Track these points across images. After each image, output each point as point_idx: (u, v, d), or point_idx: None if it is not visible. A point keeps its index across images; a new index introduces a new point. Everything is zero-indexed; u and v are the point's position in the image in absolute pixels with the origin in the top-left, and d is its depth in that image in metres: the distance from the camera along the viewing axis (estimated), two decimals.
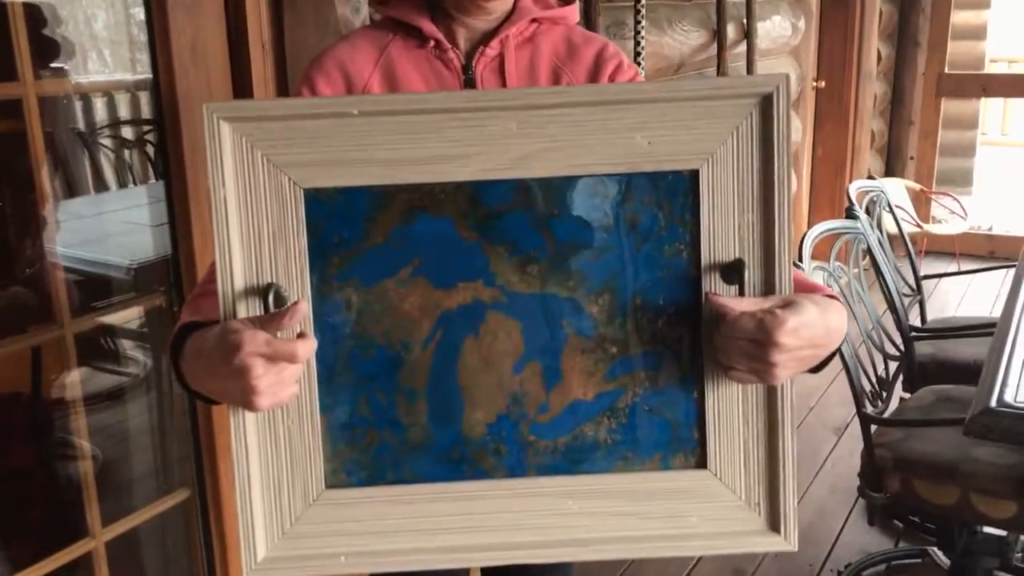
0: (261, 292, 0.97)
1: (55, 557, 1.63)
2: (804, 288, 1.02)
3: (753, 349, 0.93)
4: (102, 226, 2.12)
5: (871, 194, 3.32)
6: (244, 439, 0.99)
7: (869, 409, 2.32)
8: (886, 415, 2.49)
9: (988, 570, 2.42)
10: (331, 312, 0.99)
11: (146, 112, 2.05)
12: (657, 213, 0.99)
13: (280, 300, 0.98)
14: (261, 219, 0.98)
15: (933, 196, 5.49)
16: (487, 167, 0.97)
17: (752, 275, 0.98)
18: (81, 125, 2.09)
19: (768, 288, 0.98)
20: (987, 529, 2.30)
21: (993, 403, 1.77)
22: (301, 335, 0.94)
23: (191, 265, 1.72)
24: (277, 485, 1.00)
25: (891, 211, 3.35)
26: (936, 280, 4.43)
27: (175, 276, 1.76)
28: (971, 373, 2.73)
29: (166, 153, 1.68)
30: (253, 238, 0.98)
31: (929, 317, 3.19)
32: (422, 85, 1.20)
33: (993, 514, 2.06)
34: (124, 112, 2.34)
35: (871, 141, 5.30)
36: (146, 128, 2.13)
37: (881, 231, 3.06)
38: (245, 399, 0.92)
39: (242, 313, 0.98)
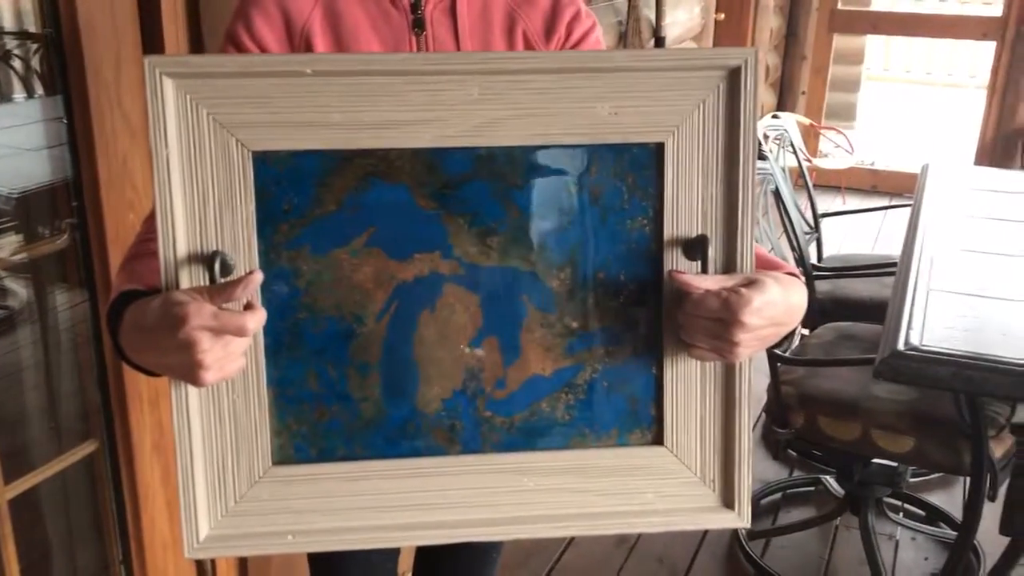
0: (206, 260, 0.92)
1: None
2: (765, 264, 1.01)
3: (716, 328, 0.92)
4: None
5: (776, 132, 3.37)
6: (186, 413, 0.94)
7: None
8: (788, 352, 2.56)
9: (879, 498, 2.55)
10: (280, 282, 0.94)
11: (27, 23, 1.91)
12: (621, 186, 0.96)
13: (226, 268, 0.93)
14: (206, 183, 0.92)
15: (822, 131, 5.61)
16: (447, 134, 0.93)
17: (715, 251, 0.96)
18: None
19: (730, 264, 0.97)
20: (878, 460, 2.41)
21: (901, 346, 1.83)
22: (249, 306, 0.89)
23: (95, 193, 1.61)
24: (221, 461, 0.96)
25: (794, 151, 3.40)
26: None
27: (79, 205, 1.64)
28: (867, 310, 2.83)
29: (64, 67, 1.55)
30: (198, 203, 0.92)
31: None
32: (367, 25, 1.13)
33: (892, 448, 2.16)
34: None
35: (765, 75, 5.36)
36: (22, 40, 1.97)
37: (784, 170, 3.11)
38: (190, 374, 0.87)
39: (185, 282, 0.92)
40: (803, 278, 1.02)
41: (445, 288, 0.96)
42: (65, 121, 1.61)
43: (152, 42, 1.64)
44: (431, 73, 0.92)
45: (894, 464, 2.36)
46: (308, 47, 1.12)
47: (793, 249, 2.84)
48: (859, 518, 2.46)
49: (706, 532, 2.59)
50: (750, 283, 0.93)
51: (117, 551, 1.87)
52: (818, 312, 2.86)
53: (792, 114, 5.48)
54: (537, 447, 0.99)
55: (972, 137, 5.20)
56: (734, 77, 0.94)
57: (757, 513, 2.74)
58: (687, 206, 0.96)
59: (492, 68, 0.92)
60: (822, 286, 2.95)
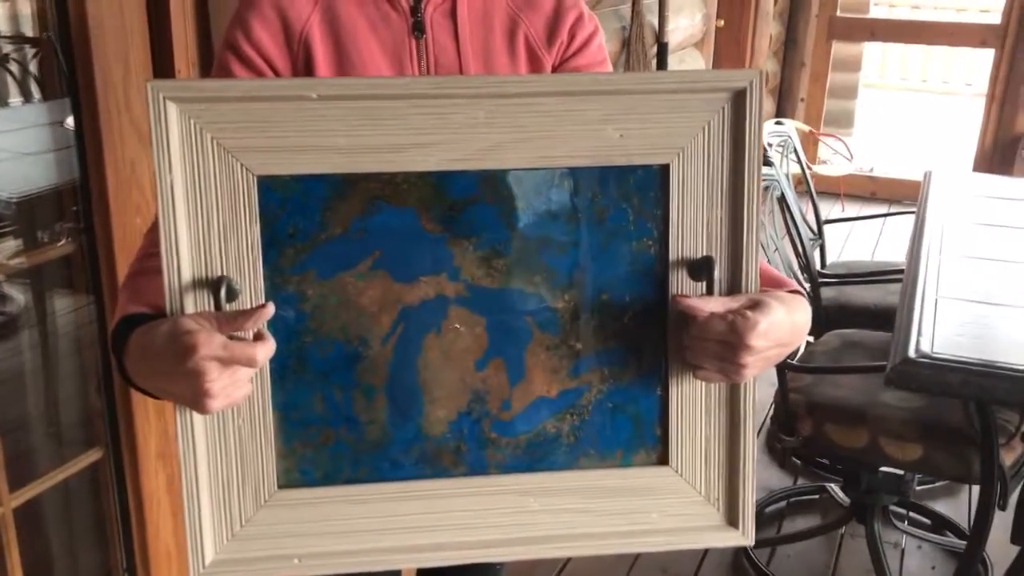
0: (212, 286, 0.92)
1: None
2: (768, 281, 1.01)
3: (723, 351, 0.92)
4: None
5: (780, 138, 3.36)
6: (191, 438, 0.94)
7: None
8: (794, 360, 2.56)
9: (886, 506, 2.54)
10: (285, 306, 0.94)
11: (25, 27, 1.90)
12: (626, 208, 0.96)
13: (232, 293, 0.93)
14: (211, 208, 0.92)
15: (821, 138, 5.60)
16: (452, 157, 0.93)
17: (720, 272, 0.96)
18: None
19: (735, 285, 0.97)
20: (885, 468, 2.40)
21: (912, 353, 1.82)
22: (259, 336, 0.89)
23: (103, 198, 1.61)
24: (227, 485, 0.96)
25: (797, 157, 3.40)
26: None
27: (85, 209, 1.64)
28: (872, 317, 2.83)
29: (73, 70, 1.55)
30: (202, 228, 0.92)
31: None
32: (367, 28, 1.13)
33: (900, 456, 2.15)
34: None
35: (765, 81, 5.35)
36: (21, 44, 1.97)
37: (788, 176, 3.11)
38: (196, 402, 0.87)
39: (190, 307, 0.92)
40: (806, 295, 1.02)
41: (451, 311, 0.96)
42: (69, 126, 1.61)
43: (161, 44, 1.64)
44: (437, 97, 0.92)
45: (901, 472, 2.35)
46: (307, 51, 1.11)
47: (798, 256, 2.84)
48: (865, 526, 2.45)
49: None
50: (755, 305, 0.93)
51: (121, 559, 1.88)
52: (823, 319, 2.86)
53: (792, 121, 5.48)
54: (542, 468, 1.00)
55: (969, 145, 5.19)
56: (739, 99, 0.94)
57: (762, 521, 2.74)
58: (692, 227, 0.96)
59: (498, 92, 0.92)
60: (827, 293, 2.95)
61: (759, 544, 2.62)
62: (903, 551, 2.61)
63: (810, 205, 3.28)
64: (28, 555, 1.65)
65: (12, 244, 1.88)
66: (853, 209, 5.40)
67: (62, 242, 1.73)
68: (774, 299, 0.94)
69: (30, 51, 1.86)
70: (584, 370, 0.98)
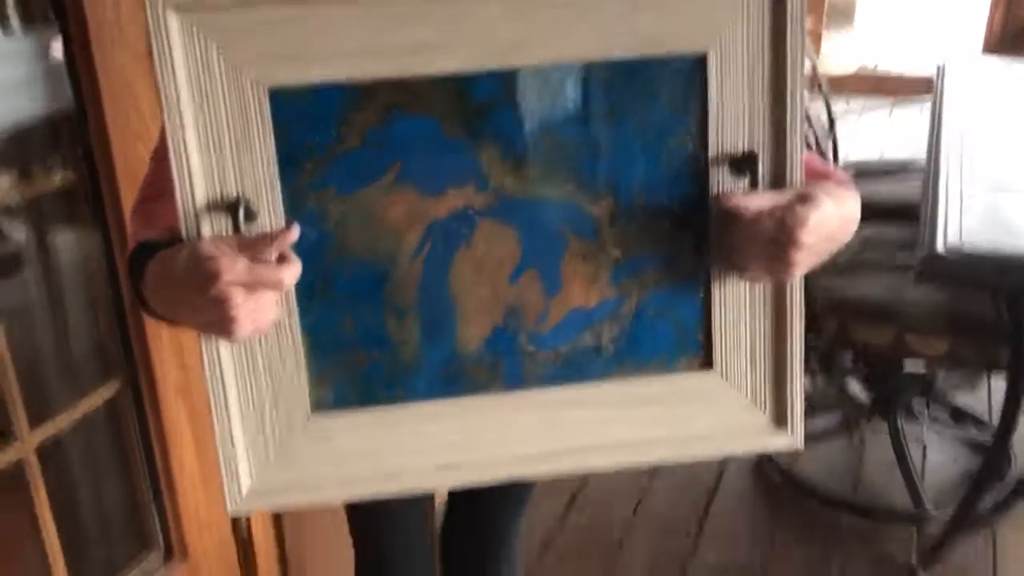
0: (230, 207, 0.87)
1: None
2: (813, 173, 0.96)
3: (772, 249, 0.88)
4: None
5: None
6: (219, 366, 0.90)
7: None
8: None
9: (909, 403, 2.53)
10: (307, 225, 0.89)
11: None
12: (661, 103, 0.91)
13: (248, 214, 0.88)
14: (221, 124, 0.87)
15: (825, 32, 5.46)
16: (473, 57, 0.87)
17: (764, 167, 0.91)
18: None
19: (779, 179, 0.92)
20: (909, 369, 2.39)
21: (940, 248, 1.78)
22: (282, 257, 0.84)
23: (101, 125, 1.55)
24: (259, 413, 0.92)
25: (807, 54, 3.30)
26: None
27: (82, 138, 1.58)
28: (888, 214, 2.77)
29: None
30: (214, 146, 0.87)
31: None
32: None
33: (927, 351, 2.12)
34: None
35: None
36: None
37: None
38: (223, 329, 0.83)
39: (207, 231, 0.87)
40: (853, 183, 0.97)
41: (480, 223, 0.91)
42: (56, 54, 1.53)
43: None
44: None
45: (923, 371, 2.34)
46: None
47: (819, 155, 2.77)
48: (888, 423, 2.44)
49: None
50: (803, 199, 0.88)
51: (148, 491, 1.86)
52: None
53: None
54: (582, 379, 0.96)
55: (976, 34, 5.06)
56: None
57: None
58: (733, 121, 0.91)
59: None
60: None
61: None
62: (925, 445, 2.61)
63: (822, 102, 3.20)
64: (54, 491, 1.63)
65: (6, 180, 1.82)
66: (858, 105, 5.31)
67: (59, 175, 1.66)
68: (822, 191, 0.89)
69: None
70: (623, 278, 0.94)
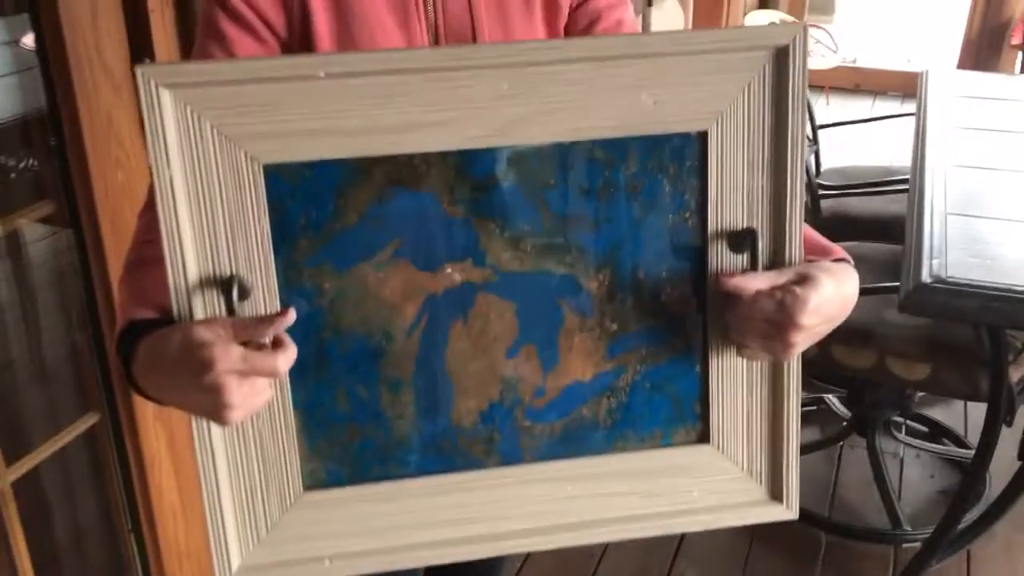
0: (223, 286, 0.85)
1: None
2: (812, 249, 0.95)
3: (770, 329, 0.87)
4: None
5: None
6: (209, 445, 0.88)
7: None
8: None
9: (887, 420, 2.55)
10: (301, 301, 0.88)
11: None
12: (661, 179, 0.90)
13: (242, 292, 0.86)
14: (215, 201, 0.85)
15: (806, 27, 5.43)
16: (474, 134, 0.86)
17: (763, 245, 0.90)
18: None
19: (778, 258, 0.91)
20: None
21: (926, 278, 1.77)
22: (277, 341, 0.83)
23: (75, 123, 1.51)
24: (250, 490, 0.91)
25: None
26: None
27: (57, 137, 1.54)
28: (873, 228, 2.77)
29: (37, 18, 1.44)
30: (207, 223, 0.85)
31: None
32: None
33: (908, 376, 2.12)
34: None
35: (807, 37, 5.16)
36: None
37: None
38: (216, 416, 0.82)
39: (199, 310, 0.85)
40: (852, 261, 0.97)
41: (478, 298, 0.90)
42: (27, 45, 1.51)
43: None
44: (454, 69, 0.84)
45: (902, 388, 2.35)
46: (303, 4, 1.02)
47: None
48: (867, 440, 2.46)
49: None
50: (804, 279, 0.87)
51: (126, 520, 1.84)
52: (824, 232, 2.79)
53: (775, 11, 5.32)
54: (578, 453, 0.95)
55: (956, 31, 5.08)
56: (781, 57, 0.87)
57: None
58: (732, 197, 0.90)
59: (520, 60, 0.84)
60: (826, 204, 2.88)
61: None
62: (902, 460, 2.63)
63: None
64: (29, 521, 1.61)
65: None
66: (837, 103, 5.31)
67: (40, 209, 1.64)
68: (822, 271, 0.88)
69: None
70: (620, 351, 0.93)
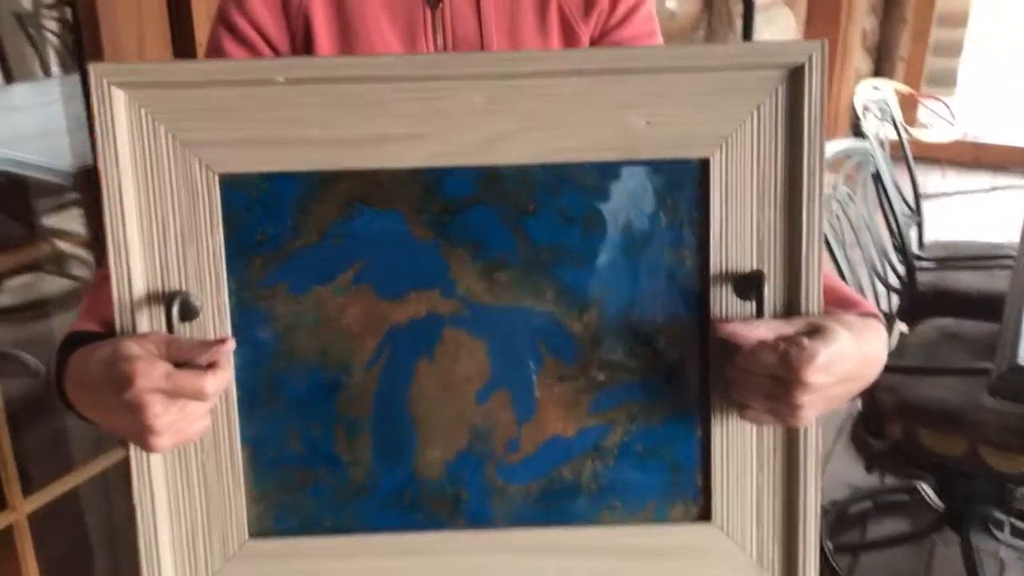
0: (168, 301, 0.78)
1: None
2: (837, 301, 0.83)
3: (774, 387, 0.75)
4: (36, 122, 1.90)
5: (877, 104, 3.10)
6: (148, 477, 0.81)
7: None
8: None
9: (987, 516, 2.32)
10: (253, 325, 0.80)
11: None
12: (656, 211, 0.79)
13: (190, 311, 0.79)
14: (166, 210, 0.78)
15: (922, 99, 5.21)
16: (446, 150, 0.78)
17: (772, 289, 0.79)
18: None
19: (792, 305, 0.79)
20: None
21: (1022, 360, 1.61)
22: (212, 364, 0.75)
23: None
24: (191, 534, 0.83)
25: (894, 124, 3.13)
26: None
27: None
28: (975, 305, 2.57)
29: (79, 39, 1.44)
30: (157, 234, 0.79)
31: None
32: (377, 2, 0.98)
33: (1004, 468, 1.93)
34: None
35: (862, 40, 5.02)
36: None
37: (883, 145, 2.86)
38: (141, 439, 0.75)
39: (144, 326, 0.79)
40: (882, 318, 0.84)
41: (445, 332, 0.81)
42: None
43: (179, 14, 1.52)
44: (426, 79, 0.76)
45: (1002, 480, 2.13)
46: (307, 24, 0.97)
47: (893, 235, 2.60)
48: (960, 537, 2.24)
49: None
50: (815, 331, 0.75)
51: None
52: (921, 306, 2.61)
53: (890, 81, 5.12)
54: (557, 522, 0.84)
55: None
56: (796, 77, 0.76)
57: (845, 523, 2.54)
58: (738, 235, 0.79)
59: (496, 72, 0.76)
60: (925, 277, 2.70)
61: (840, 549, 2.42)
62: (1003, 562, 2.39)
63: (907, 177, 3.01)
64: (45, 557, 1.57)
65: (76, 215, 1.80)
66: (954, 177, 5.05)
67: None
68: (839, 324, 0.76)
69: (51, 22, 1.78)
70: (608, 406, 0.82)
